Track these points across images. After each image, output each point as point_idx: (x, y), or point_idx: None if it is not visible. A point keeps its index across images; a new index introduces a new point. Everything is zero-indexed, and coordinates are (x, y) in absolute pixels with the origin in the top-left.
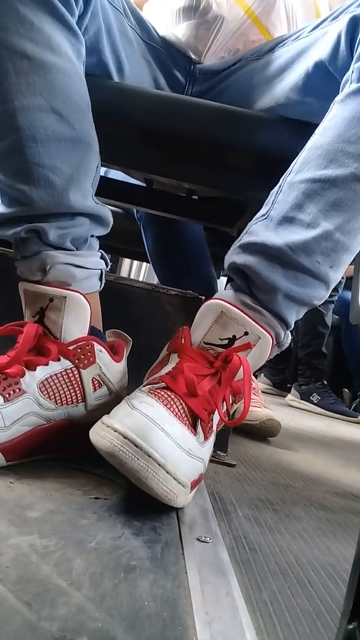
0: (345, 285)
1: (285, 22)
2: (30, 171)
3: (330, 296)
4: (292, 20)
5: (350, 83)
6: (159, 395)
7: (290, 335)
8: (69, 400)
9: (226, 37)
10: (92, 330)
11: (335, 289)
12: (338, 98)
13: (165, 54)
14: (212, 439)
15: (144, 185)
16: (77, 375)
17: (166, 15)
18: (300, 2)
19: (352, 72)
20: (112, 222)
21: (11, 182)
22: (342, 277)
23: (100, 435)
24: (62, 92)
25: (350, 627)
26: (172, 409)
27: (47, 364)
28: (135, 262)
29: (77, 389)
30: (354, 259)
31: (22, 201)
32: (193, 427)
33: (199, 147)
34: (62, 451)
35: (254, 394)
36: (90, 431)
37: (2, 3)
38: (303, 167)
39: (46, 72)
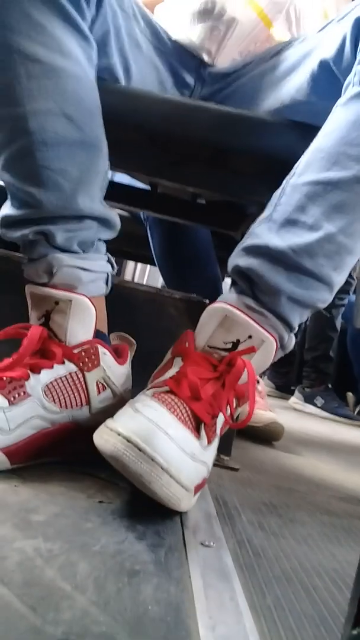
0: (356, 289)
1: (295, 25)
2: (40, 174)
3: (340, 299)
4: (302, 24)
5: (353, 86)
6: (163, 399)
7: (294, 338)
8: (73, 403)
9: (239, 40)
10: (97, 334)
11: (346, 292)
12: (340, 101)
13: (175, 58)
14: (215, 442)
15: (149, 188)
16: (81, 379)
17: (180, 19)
18: (309, 6)
19: (355, 74)
20: (119, 226)
21: (20, 184)
22: (353, 279)
23: (104, 438)
24: (73, 96)
25: (354, 632)
26: (175, 413)
27: (51, 367)
28: (139, 265)
29: (81, 392)
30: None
31: (30, 204)
32: (196, 431)
33: (204, 151)
34: (66, 454)
35: (259, 397)
36: (94, 434)
37: (14, 7)
38: (306, 170)
39: (57, 77)
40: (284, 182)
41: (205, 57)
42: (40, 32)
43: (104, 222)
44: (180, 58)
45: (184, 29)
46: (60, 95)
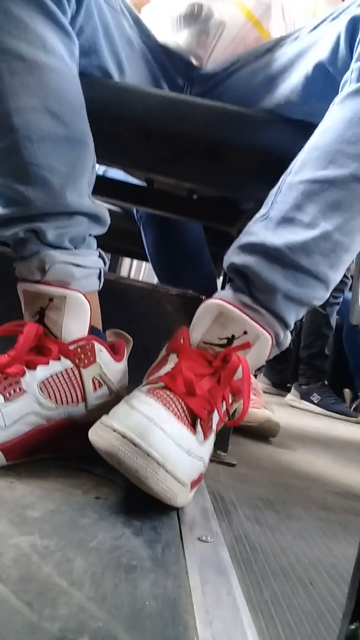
0: (351, 287)
1: (283, 24)
2: (27, 171)
3: (335, 298)
4: (291, 22)
5: (350, 83)
6: (158, 395)
7: (290, 335)
8: (69, 399)
9: (227, 42)
10: (92, 330)
11: (341, 290)
12: (337, 99)
13: (164, 57)
14: (212, 438)
15: (144, 184)
16: (77, 375)
17: (166, 22)
18: (298, 6)
19: (352, 72)
20: (109, 221)
21: (8, 182)
22: (348, 279)
23: (99, 435)
24: (57, 92)
25: (352, 627)
26: (171, 409)
27: (47, 364)
28: (135, 262)
29: (77, 388)
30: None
31: (19, 202)
32: (192, 427)
33: (200, 147)
34: (62, 451)
35: (253, 394)
36: (89, 431)
37: None
38: (302, 168)
39: (40, 73)
40: (281, 180)
41: (194, 61)
42: (22, 28)
43: (93, 217)
44: (169, 59)
45: (171, 33)
46: (43, 92)
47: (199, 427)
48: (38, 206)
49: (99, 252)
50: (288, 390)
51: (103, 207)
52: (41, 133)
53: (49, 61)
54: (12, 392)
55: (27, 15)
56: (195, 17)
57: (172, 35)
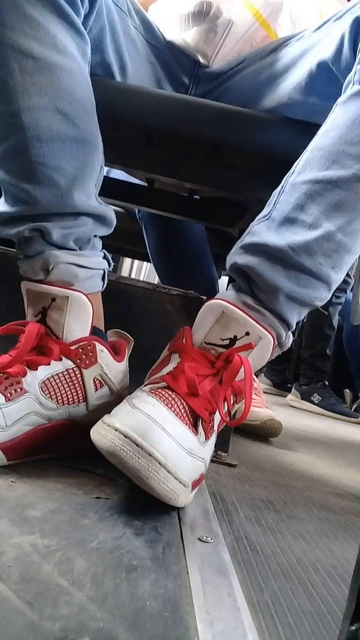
0: (353, 288)
1: (290, 24)
2: (35, 171)
3: (338, 298)
4: (297, 22)
5: (353, 85)
6: (160, 394)
7: (291, 336)
8: (70, 400)
9: (234, 41)
10: (94, 330)
11: (344, 290)
12: (340, 99)
13: (170, 56)
14: (213, 438)
15: (146, 185)
16: (78, 375)
17: (174, 20)
18: (305, 6)
19: (355, 73)
20: (115, 222)
21: (15, 181)
22: (351, 278)
23: (101, 434)
24: (67, 92)
25: (353, 628)
26: (173, 409)
27: (48, 364)
28: (136, 262)
29: (78, 388)
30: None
31: (26, 200)
32: (194, 427)
33: (201, 147)
34: (63, 451)
35: (255, 394)
36: (91, 430)
37: (8, 3)
38: (305, 168)
39: (52, 72)
40: (284, 180)
41: (201, 59)
42: (34, 27)
43: (99, 218)
44: (175, 57)
45: (178, 31)
46: (54, 91)
47: (200, 428)
48: (44, 206)
49: (104, 253)
50: (288, 391)
51: (109, 208)
52: (50, 133)
53: (60, 61)
54: (13, 392)
55: (40, 15)
56: (203, 15)
57: (180, 33)
